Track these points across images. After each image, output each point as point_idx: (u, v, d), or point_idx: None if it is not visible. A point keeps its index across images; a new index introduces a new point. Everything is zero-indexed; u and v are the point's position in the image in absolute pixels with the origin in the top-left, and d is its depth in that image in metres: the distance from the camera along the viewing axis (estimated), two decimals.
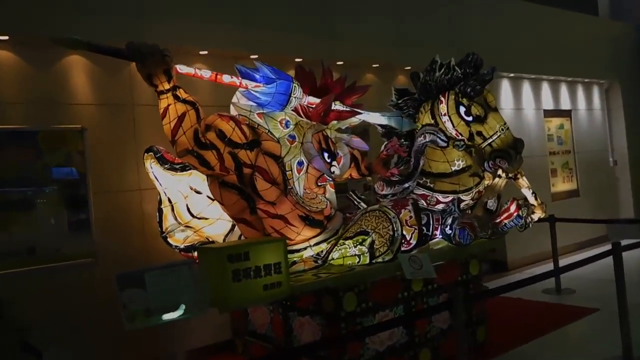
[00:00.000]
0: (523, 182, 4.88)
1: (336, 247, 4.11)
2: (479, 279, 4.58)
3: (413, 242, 4.28)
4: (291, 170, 3.65)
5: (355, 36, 5.60)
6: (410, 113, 4.56)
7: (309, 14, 5.38)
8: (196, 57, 4.73)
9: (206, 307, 2.96)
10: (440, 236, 4.46)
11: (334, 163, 3.87)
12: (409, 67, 6.02)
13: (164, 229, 3.93)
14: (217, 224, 3.96)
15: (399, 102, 4.56)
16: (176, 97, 3.26)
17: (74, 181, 4.08)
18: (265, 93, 3.47)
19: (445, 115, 4.33)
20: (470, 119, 4.21)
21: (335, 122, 3.83)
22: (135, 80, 3.99)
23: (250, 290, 3.24)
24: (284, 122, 3.62)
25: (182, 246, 3.91)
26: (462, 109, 4.21)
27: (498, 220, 4.60)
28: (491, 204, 4.75)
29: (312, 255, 3.94)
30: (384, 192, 4.60)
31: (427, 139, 4.44)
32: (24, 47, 4.00)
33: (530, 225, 4.82)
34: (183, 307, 2.85)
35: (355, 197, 4.74)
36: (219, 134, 3.37)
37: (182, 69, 3.33)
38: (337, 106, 3.82)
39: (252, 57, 5.02)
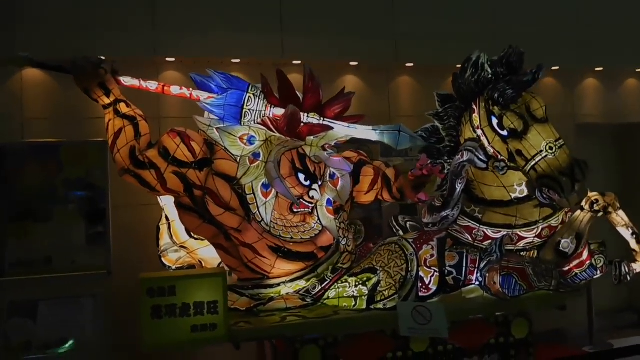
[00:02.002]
0: (618, 218, 3.53)
1: (337, 284, 3.46)
2: (529, 344, 3.40)
3: (433, 287, 3.38)
4: (253, 193, 3.13)
5: (417, 36, 4.75)
6: (451, 124, 3.63)
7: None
8: (230, 66, 4.48)
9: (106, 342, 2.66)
10: (477, 283, 3.45)
11: (315, 187, 3.22)
12: None
13: (159, 248, 3.76)
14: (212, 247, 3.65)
15: (440, 111, 3.68)
16: (116, 112, 3.02)
17: (94, 195, 4.15)
18: (216, 105, 3.03)
19: (478, 128, 3.33)
20: (505, 133, 3.16)
21: (314, 138, 3.18)
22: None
23: (175, 331, 2.83)
24: (245, 138, 3.11)
25: (174, 267, 3.68)
26: (495, 121, 3.18)
27: (567, 268, 3.39)
28: (566, 244, 3.52)
29: (297, 292, 3.36)
30: (425, 221, 3.77)
31: (465, 158, 3.47)
32: None
33: (629, 278, 3.48)
34: (71, 343, 2.58)
35: (394, 224, 3.97)
36: (162, 152, 3.03)
37: (126, 81, 3.09)
38: (310, 118, 3.17)
39: (294, 62, 4.61)
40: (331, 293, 3.43)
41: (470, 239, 3.58)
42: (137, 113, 3.07)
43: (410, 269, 3.39)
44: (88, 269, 4.11)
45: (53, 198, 4.07)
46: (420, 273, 3.37)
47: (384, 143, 3.25)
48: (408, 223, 3.90)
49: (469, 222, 3.59)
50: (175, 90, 3.08)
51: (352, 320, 3.09)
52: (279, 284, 3.27)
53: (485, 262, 3.31)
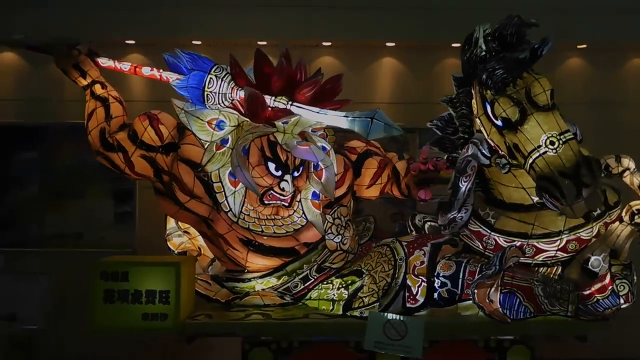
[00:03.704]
0: None
1: (321, 284, 3.19)
2: None
3: (420, 299, 2.96)
4: (220, 182, 2.97)
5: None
6: (463, 112, 3.10)
7: None
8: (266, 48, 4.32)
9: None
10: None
11: (287, 178, 2.96)
12: None
13: (166, 231, 3.78)
14: None
15: (453, 96, 3.18)
16: (91, 93, 3.04)
17: (123, 175, 4.30)
18: (180, 87, 2.90)
19: (477, 117, 2.80)
20: (499, 123, 2.60)
21: (283, 124, 2.89)
22: None
23: (126, 317, 2.79)
24: (214, 122, 2.94)
25: (176, 252, 3.68)
26: (489, 108, 2.63)
27: (588, 292, 2.74)
28: (596, 263, 2.86)
29: (275, 289, 3.15)
30: (439, 223, 3.34)
31: (469, 152, 2.96)
32: None
33: None
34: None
35: (410, 224, 3.57)
36: (131, 135, 2.98)
37: (103, 62, 3.08)
38: (276, 102, 2.88)
39: (324, 44, 4.31)
40: (314, 293, 3.19)
41: (481, 247, 3.07)
42: (111, 95, 3.07)
43: (396, 275, 3.01)
44: (115, 246, 4.31)
45: (86, 177, 4.31)
46: (408, 281, 2.98)
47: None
48: (428, 223, 3.47)
49: (480, 228, 3.07)
50: (146, 71, 3.03)
51: (310, 326, 2.81)
52: (250, 279, 3.10)
53: (479, 275, 2.81)
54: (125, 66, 3.06)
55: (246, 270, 3.18)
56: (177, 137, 3.01)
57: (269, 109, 2.87)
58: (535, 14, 4.22)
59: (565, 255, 2.95)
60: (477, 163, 2.91)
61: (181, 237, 3.59)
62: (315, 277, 3.18)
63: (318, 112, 2.82)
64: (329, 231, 3.20)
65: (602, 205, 2.73)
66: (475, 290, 2.76)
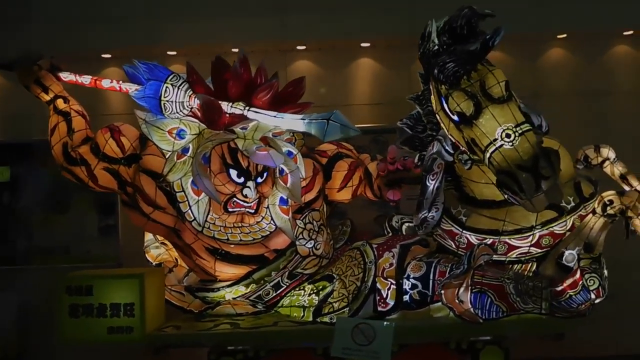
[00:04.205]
0: None
1: (293, 290, 3.14)
2: None
3: (391, 302, 2.89)
4: (183, 191, 2.94)
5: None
6: (429, 109, 3.03)
7: None
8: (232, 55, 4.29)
9: None
10: None
11: (249, 184, 2.91)
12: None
13: (144, 243, 3.77)
14: None
15: (419, 93, 3.11)
16: (54, 108, 3.05)
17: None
18: (139, 97, 2.88)
19: (436, 112, 2.72)
20: (456, 118, 2.52)
21: (241, 129, 2.85)
22: None
23: (92, 331, 2.78)
24: (175, 132, 2.92)
25: (154, 263, 3.67)
26: (445, 103, 2.55)
27: (560, 288, 2.63)
28: (570, 257, 2.76)
29: (247, 298, 3.10)
30: (414, 223, 3.27)
31: (434, 150, 2.90)
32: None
33: None
34: None
35: (386, 226, 3.49)
36: (93, 148, 2.97)
37: (65, 76, 3.09)
38: (233, 108, 2.84)
39: (299, 47, 4.27)
40: (286, 300, 3.14)
41: (454, 246, 2.99)
42: (74, 109, 3.07)
43: (366, 278, 2.95)
44: (100, 259, 4.32)
45: (69, 191, 4.33)
46: (378, 284, 2.92)
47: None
48: (405, 224, 3.39)
49: (452, 226, 2.99)
50: (106, 83, 3.03)
51: (276, 334, 2.76)
52: (219, 289, 3.07)
53: (447, 276, 2.73)
54: (85, 79, 3.07)
55: (217, 280, 3.15)
56: (139, 148, 3.00)
57: (227, 115, 2.84)
58: (514, 4, 4.18)
59: (540, 250, 2.86)
60: (443, 160, 2.86)
61: (158, 248, 3.57)
62: (287, 284, 3.14)
63: (275, 117, 2.78)
64: (300, 237, 3.15)
65: (563, 197, 2.62)
66: (442, 291, 2.69)
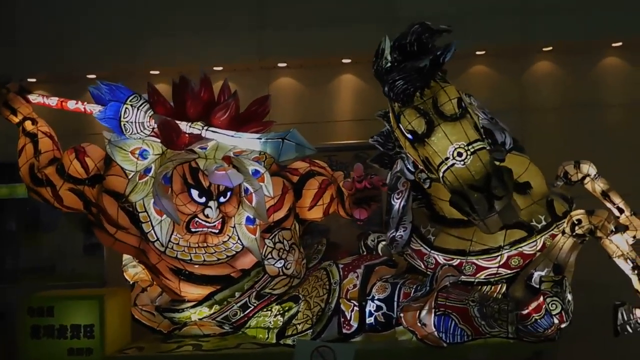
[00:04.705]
0: (612, 245, 2.54)
1: (261, 311, 3.09)
2: None
3: (354, 324, 2.81)
4: (146, 211, 2.92)
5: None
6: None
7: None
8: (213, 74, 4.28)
9: None
10: None
11: (210, 204, 2.88)
12: None
13: (122, 262, 3.77)
14: None
15: (387, 110, 3.05)
16: (23, 130, 3.09)
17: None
18: (100, 119, 2.88)
19: (394, 130, 2.65)
20: (409, 136, 2.45)
21: (201, 149, 2.83)
22: None
23: (52, 352, 2.78)
24: (137, 152, 2.91)
25: (131, 282, 3.65)
26: (398, 121, 2.48)
27: (526, 312, 2.52)
28: (539, 279, 2.65)
29: (213, 319, 3.06)
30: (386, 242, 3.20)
31: (397, 168, 2.84)
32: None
33: (630, 329, 2.50)
34: None
35: (361, 245, 3.42)
36: (59, 169, 2.99)
37: (33, 98, 3.13)
38: (192, 128, 2.82)
39: (280, 65, 4.24)
40: (253, 321, 3.09)
41: (423, 266, 2.91)
42: (41, 130, 3.11)
43: (330, 300, 2.88)
44: (85, 277, 4.34)
45: (57, 210, 4.35)
46: (342, 306, 2.85)
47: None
48: (381, 243, 3.32)
49: (421, 246, 2.91)
50: (71, 105, 3.05)
51: (234, 357, 2.71)
52: (184, 310, 3.03)
53: (409, 298, 2.65)
54: (52, 101, 3.10)
55: (186, 300, 3.12)
56: (104, 168, 3.00)
57: (186, 135, 2.82)
58: (499, 17, 4.10)
59: (509, 272, 2.77)
60: (406, 179, 2.79)
61: (135, 267, 3.55)
62: (255, 305, 3.09)
63: (233, 136, 2.75)
64: (269, 256, 3.10)
65: (518, 218, 2.51)
66: (402, 314, 2.60)
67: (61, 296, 2.93)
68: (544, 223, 2.76)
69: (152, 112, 2.87)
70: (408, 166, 2.71)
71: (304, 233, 3.48)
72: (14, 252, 4.44)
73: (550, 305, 2.37)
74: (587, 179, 2.94)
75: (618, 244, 2.52)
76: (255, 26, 4.11)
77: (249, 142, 2.71)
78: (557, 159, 3.03)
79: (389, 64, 2.44)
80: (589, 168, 2.94)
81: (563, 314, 2.37)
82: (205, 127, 2.79)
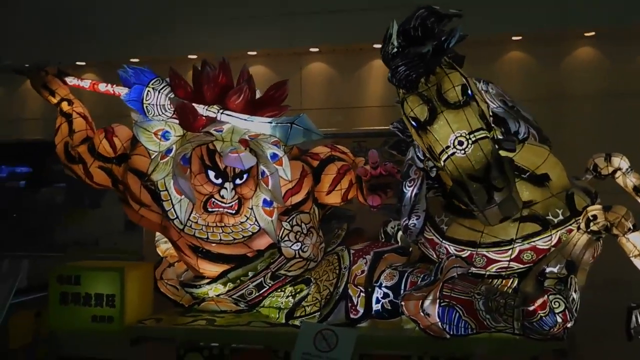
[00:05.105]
0: (629, 244, 2.40)
1: (275, 292, 3.17)
2: None
3: (360, 310, 2.83)
4: (167, 190, 3.04)
5: None
6: None
7: None
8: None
9: None
10: None
11: (226, 185, 2.96)
12: None
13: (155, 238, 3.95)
14: None
15: None
16: (60, 110, 3.28)
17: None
18: (126, 101, 3.01)
19: (402, 117, 2.61)
20: (413, 123, 2.40)
21: (218, 132, 2.89)
22: None
23: (78, 318, 2.99)
24: (160, 133, 3.02)
25: (163, 257, 3.84)
26: (402, 108, 2.44)
27: (532, 308, 2.44)
28: (552, 275, 2.56)
29: (230, 296, 3.17)
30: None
31: (409, 155, 2.81)
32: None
33: None
34: None
35: (381, 232, 3.43)
36: (90, 148, 3.17)
37: (70, 81, 3.31)
38: (208, 112, 2.87)
39: (312, 50, 4.24)
40: (267, 301, 3.17)
41: (435, 256, 2.88)
42: (76, 110, 3.29)
43: (339, 284, 2.91)
44: (125, 252, 4.58)
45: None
46: (349, 291, 2.87)
47: None
48: (400, 231, 3.32)
49: (434, 235, 2.87)
50: (102, 87, 3.21)
51: (241, 334, 2.81)
52: (201, 286, 3.16)
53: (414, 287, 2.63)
54: (85, 83, 3.28)
55: (203, 277, 3.25)
56: (130, 148, 3.16)
57: (202, 117, 2.91)
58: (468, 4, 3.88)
59: (521, 266, 2.68)
60: (416, 166, 2.76)
61: (167, 243, 3.70)
62: (270, 285, 3.17)
63: (246, 120, 2.81)
64: (286, 238, 3.16)
65: (520, 210, 2.42)
66: (403, 303, 2.59)
67: (87, 267, 3.13)
68: (561, 217, 2.64)
69: (172, 95, 2.99)
70: (418, 154, 2.68)
71: (331, 218, 3.53)
72: (62, 226, 4.77)
73: (553, 303, 2.30)
74: (618, 172, 2.81)
75: (635, 243, 2.39)
76: (287, 11, 4.14)
77: (260, 125, 2.77)
78: (595, 150, 2.90)
79: (395, 50, 2.40)
80: (620, 161, 2.80)
81: (567, 312, 2.29)
82: (221, 111, 2.88)
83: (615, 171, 2.83)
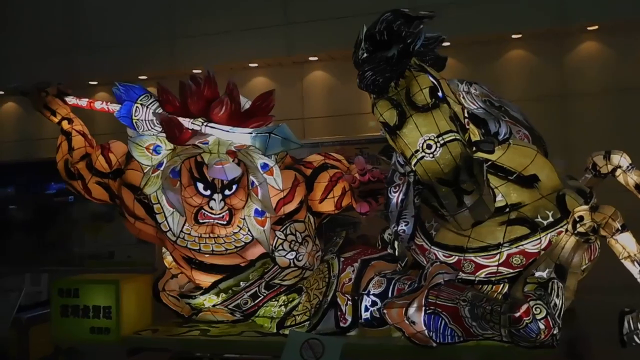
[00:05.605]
0: (618, 245, 2.28)
1: (270, 301, 3.17)
2: None
3: (349, 318, 2.79)
4: (159, 203, 3.09)
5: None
6: None
7: None
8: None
9: None
10: None
11: (215, 197, 2.98)
12: None
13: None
14: None
15: None
16: (61, 129, 3.39)
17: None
18: (118, 117, 3.08)
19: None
20: (386, 129, 2.36)
21: (204, 145, 2.91)
22: None
23: (78, 330, 3.06)
24: (151, 147, 3.08)
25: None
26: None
27: (518, 315, 2.34)
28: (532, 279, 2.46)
29: (226, 306, 3.19)
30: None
31: (393, 160, 2.76)
32: None
33: (639, 339, 2.26)
34: None
35: (379, 239, 3.39)
36: (88, 164, 3.26)
37: (69, 100, 3.41)
38: (193, 125, 2.89)
39: (311, 59, 4.24)
40: (262, 311, 3.18)
41: (425, 262, 2.82)
42: (75, 129, 3.40)
43: (327, 293, 2.89)
44: (138, 264, 4.70)
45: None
46: (338, 299, 2.84)
47: None
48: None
49: (424, 241, 2.82)
50: (98, 105, 3.29)
51: (230, 344, 2.81)
52: (196, 297, 3.19)
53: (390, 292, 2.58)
54: (83, 102, 3.39)
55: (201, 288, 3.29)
56: (125, 163, 3.24)
57: (188, 131, 2.96)
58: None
59: (511, 271, 2.59)
60: (398, 172, 2.72)
61: None
62: (265, 294, 3.18)
63: (228, 131, 2.84)
64: (280, 248, 3.17)
65: (490, 213, 2.33)
66: (385, 311, 2.54)
67: (85, 280, 3.22)
68: (551, 220, 2.54)
69: (159, 110, 3.05)
70: (399, 159, 2.64)
71: (335, 225, 3.52)
72: (80, 240, 4.94)
73: (534, 309, 2.21)
74: (619, 170, 2.70)
75: (625, 244, 2.26)
76: (284, 21, 4.17)
77: (241, 136, 2.80)
78: (603, 149, 2.79)
79: (365, 55, 2.38)
80: (620, 159, 2.69)
81: (549, 319, 2.19)
82: (205, 123, 2.92)
83: (615, 169, 2.72)
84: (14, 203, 5.87)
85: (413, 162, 2.23)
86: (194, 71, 4.62)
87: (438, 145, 2.17)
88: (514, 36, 3.81)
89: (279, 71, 4.29)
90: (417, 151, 2.22)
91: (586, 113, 3.63)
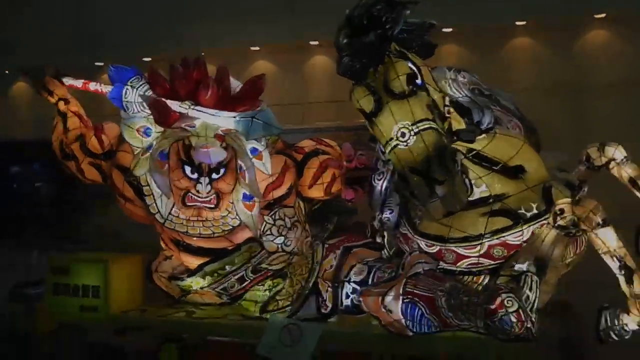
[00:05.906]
0: (598, 240, 2.21)
1: (256, 285, 3.19)
2: None
3: (329, 305, 2.79)
4: (148, 185, 3.11)
5: None
6: None
7: None
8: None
9: None
10: None
11: (201, 180, 2.99)
12: None
13: None
14: None
15: None
16: (57, 110, 3.43)
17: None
18: (110, 99, 3.11)
19: None
20: (364, 116, 2.32)
21: (191, 128, 2.91)
22: None
23: (68, 308, 3.14)
24: (142, 130, 3.10)
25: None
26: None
27: (493, 307, 2.30)
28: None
29: (213, 288, 3.21)
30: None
31: (377, 147, 2.72)
32: None
33: (614, 335, 2.21)
34: None
35: (368, 227, 3.37)
36: (82, 145, 3.30)
37: (66, 81, 3.42)
38: (180, 108, 2.89)
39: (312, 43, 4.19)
40: (248, 295, 3.20)
41: (408, 250, 2.79)
42: (71, 110, 3.43)
43: (310, 279, 2.89)
44: (142, 244, 4.73)
45: None
46: (320, 286, 2.84)
47: None
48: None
49: (408, 230, 2.79)
50: (92, 86, 3.32)
51: (211, 326, 2.84)
52: (184, 279, 3.22)
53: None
54: (78, 83, 3.42)
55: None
56: (117, 145, 3.27)
57: (175, 113, 2.96)
58: None
59: (492, 262, 2.55)
60: (381, 159, 2.68)
61: None
62: (252, 278, 3.19)
63: (213, 115, 2.84)
64: (268, 232, 3.18)
65: (462, 204, 2.27)
66: (361, 299, 2.53)
67: (75, 258, 3.29)
68: (534, 212, 2.48)
69: (149, 92, 3.06)
70: (380, 147, 2.61)
71: (331, 212, 3.50)
72: (88, 220, 5.02)
73: (506, 302, 2.16)
74: (612, 163, 2.61)
75: (605, 239, 2.20)
76: (287, 6, 4.12)
77: (225, 120, 2.80)
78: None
79: (345, 40, 2.34)
80: (614, 151, 2.60)
81: (520, 312, 2.15)
82: (192, 106, 2.93)
83: (609, 162, 2.63)
84: (40, 180, 6.05)
85: (387, 150, 2.20)
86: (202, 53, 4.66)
87: (412, 133, 2.13)
88: (517, 23, 3.69)
89: (281, 56, 4.26)
90: (391, 139, 2.18)
91: (598, 106, 3.48)
